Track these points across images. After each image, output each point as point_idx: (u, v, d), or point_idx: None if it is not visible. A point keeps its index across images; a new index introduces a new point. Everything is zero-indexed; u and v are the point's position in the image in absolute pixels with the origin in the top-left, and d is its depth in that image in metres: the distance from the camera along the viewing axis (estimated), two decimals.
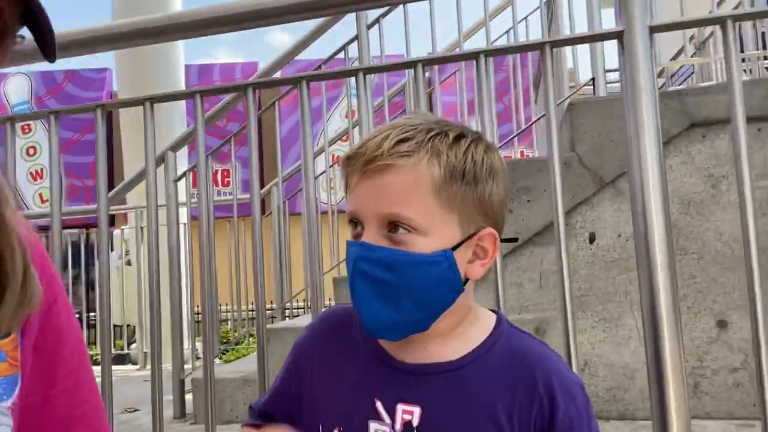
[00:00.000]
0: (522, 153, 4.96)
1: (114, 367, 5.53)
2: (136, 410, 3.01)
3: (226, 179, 8.35)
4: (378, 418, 0.66)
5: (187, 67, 6.78)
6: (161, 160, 2.92)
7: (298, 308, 3.81)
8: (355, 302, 0.66)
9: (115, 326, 5.84)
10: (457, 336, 0.69)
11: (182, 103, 4.62)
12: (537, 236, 2.51)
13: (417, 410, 0.66)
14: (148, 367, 4.38)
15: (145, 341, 4.38)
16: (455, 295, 0.66)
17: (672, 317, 1.03)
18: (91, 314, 5.90)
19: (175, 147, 2.91)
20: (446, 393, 0.66)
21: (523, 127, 3.38)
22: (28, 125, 8.63)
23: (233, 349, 4.22)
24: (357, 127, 2.48)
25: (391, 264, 0.63)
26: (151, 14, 1.26)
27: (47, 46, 0.53)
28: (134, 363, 4.32)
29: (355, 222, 0.66)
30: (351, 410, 0.68)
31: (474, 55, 1.17)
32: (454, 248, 0.65)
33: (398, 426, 0.66)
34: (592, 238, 2.51)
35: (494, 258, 0.69)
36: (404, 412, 0.66)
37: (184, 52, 5.64)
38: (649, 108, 1.06)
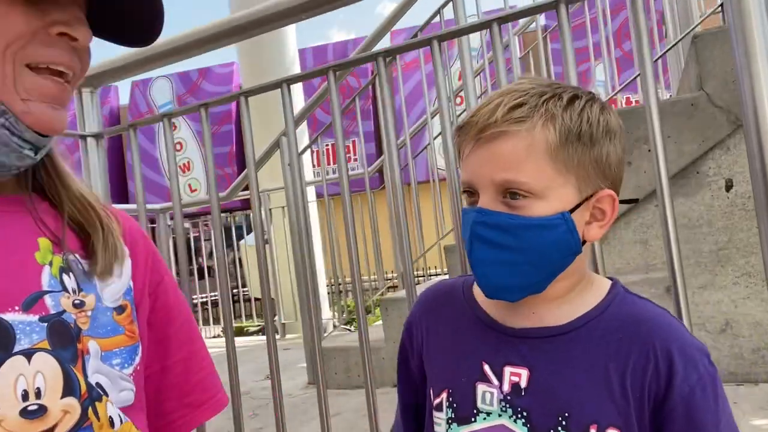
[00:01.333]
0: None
1: (258, 338, 5.93)
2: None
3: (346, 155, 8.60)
4: (486, 380, 0.68)
5: (302, 51, 7.03)
6: (276, 146, 3.10)
7: (419, 276, 3.86)
8: (473, 265, 0.66)
9: (256, 299, 6.38)
10: (570, 300, 0.68)
11: (299, 84, 4.80)
12: None
13: (525, 372, 0.66)
14: (287, 336, 4.78)
15: (282, 313, 4.73)
16: (573, 258, 0.66)
17: None
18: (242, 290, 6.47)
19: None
20: (555, 355, 0.66)
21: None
22: (174, 123, 9.51)
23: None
24: (463, 91, 2.42)
25: (509, 228, 0.63)
26: (264, 3, 1.31)
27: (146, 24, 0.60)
28: (276, 333, 4.72)
29: (470, 191, 0.67)
30: (459, 374, 0.69)
31: (553, 5, 1.08)
32: (572, 210, 0.64)
33: (506, 387, 0.66)
34: (729, 185, 2.24)
35: (612, 219, 0.67)
36: (512, 374, 0.66)
37: (297, 37, 5.89)
38: (762, 34, 0.92)
